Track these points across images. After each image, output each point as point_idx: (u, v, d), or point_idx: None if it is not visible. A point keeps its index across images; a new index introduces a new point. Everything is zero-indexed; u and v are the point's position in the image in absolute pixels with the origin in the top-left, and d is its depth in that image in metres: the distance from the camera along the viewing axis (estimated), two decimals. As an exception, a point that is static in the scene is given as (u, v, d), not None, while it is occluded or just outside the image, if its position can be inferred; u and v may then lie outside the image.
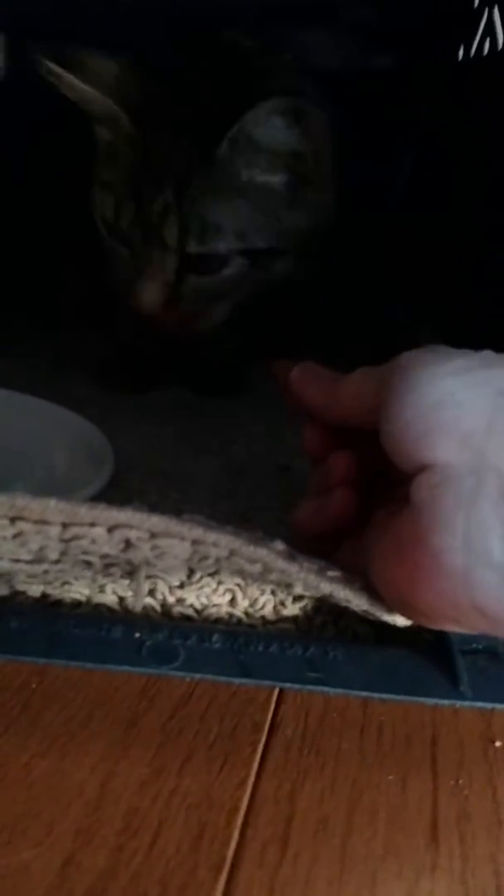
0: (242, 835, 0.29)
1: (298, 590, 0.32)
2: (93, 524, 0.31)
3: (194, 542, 0.32)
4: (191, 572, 0.36)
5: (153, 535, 0.31)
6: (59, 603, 0.35)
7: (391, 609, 0.33)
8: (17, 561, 0.32)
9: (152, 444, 0.56)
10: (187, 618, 0.35)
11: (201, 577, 0.36)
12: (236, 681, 0.31)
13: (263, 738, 0.34)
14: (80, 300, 0.75)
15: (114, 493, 0.47)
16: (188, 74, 0.60)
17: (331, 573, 0.33)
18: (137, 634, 0.31)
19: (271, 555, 0.31)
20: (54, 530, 0.32)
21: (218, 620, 0.35)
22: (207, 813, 0.30)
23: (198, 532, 0.31)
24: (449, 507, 0.30)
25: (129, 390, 0.65)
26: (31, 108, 0.95)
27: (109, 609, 0.35)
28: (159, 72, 0.59)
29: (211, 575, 0.36)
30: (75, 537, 0.32)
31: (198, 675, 0.31)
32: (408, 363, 0.33)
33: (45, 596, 0.34)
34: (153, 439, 0.56)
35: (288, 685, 0.32)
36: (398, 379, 0.33)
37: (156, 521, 0.31)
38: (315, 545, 0.35)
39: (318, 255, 0.63)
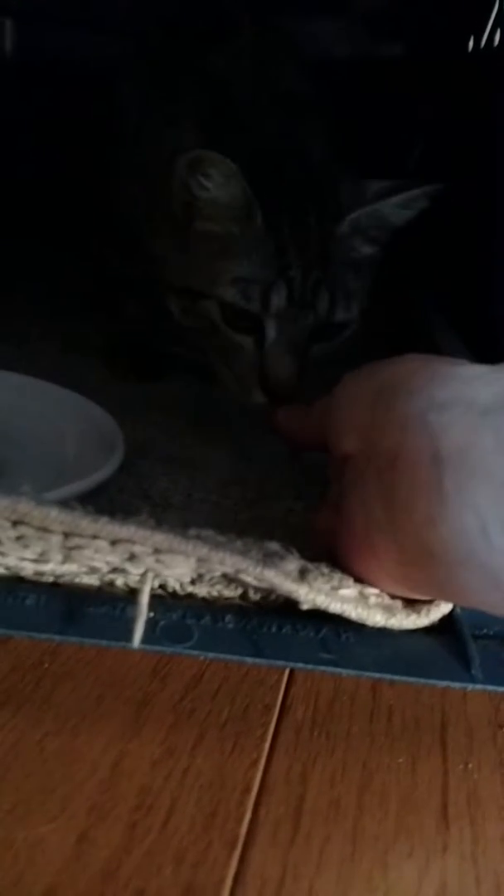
0: (255, 814, 0.30)
1: (306, 607, 0.32)
2: (95, 537, 0.31)
3: (199, 560, 0.32)
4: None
5: (157, 551, 0.32)
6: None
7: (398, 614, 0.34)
8: (24, 559, 0.32)
9: (162, 430, 0.56)
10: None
11: (212, 577, 0.35)
12: (249, 660, 0.32)
13: (274, 720, 0.34)
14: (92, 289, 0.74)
15: (124, 479, 0.47)
16: (269, 155, 0.60)
17: (344, 591, 0.33)
18: (151, 614, 0.31)
19: (279, 577, 0.32)
20: (56, 538, 0.32)
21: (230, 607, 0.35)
22: (220, 792, 0.30)
23: (202, 551, 0.31)
24: (353, 487, 0.35)
25: (139, 378, 0.65)
26: (39, 92, 0.95)
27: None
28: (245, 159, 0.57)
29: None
30: (77, 547, 0.32)
31: (211, 655, 0.31)
32: (341, 384, 0.39)
33: (55, 585, 0.34)
34: (163, 426, 0.56)
35: (300, 666, 0.32)
36: (332, 398, 0.39)
37: (160, 539, 0.31)
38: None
39: None
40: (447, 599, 0.34)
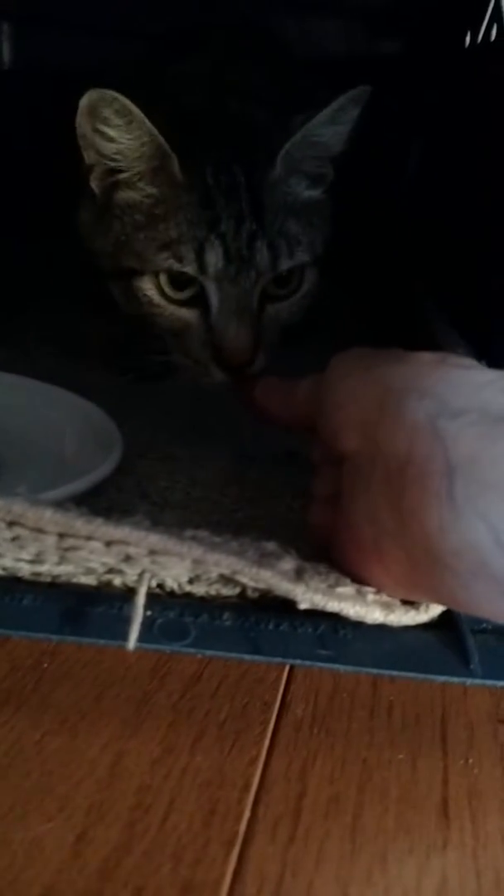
0: (254, 811, 0.30)
1: (304, 606, 0.32)
2: (90, 538, 0.31)
3: (195, 562, 0.32)
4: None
5: (152, 552, 0.31)
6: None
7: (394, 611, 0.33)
8: (20, 560, 0.32)
9: (161, 429, 0.55)
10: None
11: (209, 577, 0.35)
12: (246, 658, 0.31)
13: (274, 718, 0.34)
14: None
15: (123, 479, 0.47)
16: (193, 111, 0.59)
17: (341, 589, 0.32)
18: (149, 612, 0.31)
19: (275, 577, 0.31)
20: (51, 539, 0.32)
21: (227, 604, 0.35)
22: (219, 790, 0.30)
23: (198, 552, 0.31)
24: (357, 490, 0.33)
25: (138, 379, 0.65)
26: (36, 95, 0.95)
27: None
28: (161, 102, 0.57)
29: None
30: (73, 548, 0.32)
31: (209, 652, 0.31)
32: (332, 367, 0.37)
33: (53, 585, 0.34)
34: (162, 425, 0.56)
35: (298, 662, 0.32)
36: (323, 383, 0.37)
37: (154, 540, 0.31)
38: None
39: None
40: (457, 608, 0.33)
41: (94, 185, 0.58)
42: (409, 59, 0.89)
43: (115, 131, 0.54)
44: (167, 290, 0.57)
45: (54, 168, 0.65)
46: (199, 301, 0.56)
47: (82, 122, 0.54)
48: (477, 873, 0.28)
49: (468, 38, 0.76)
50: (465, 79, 0.77)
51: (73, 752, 0.31)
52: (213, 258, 0.54)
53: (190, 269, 0.55)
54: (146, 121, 0.53)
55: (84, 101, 0.53)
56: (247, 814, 0.29)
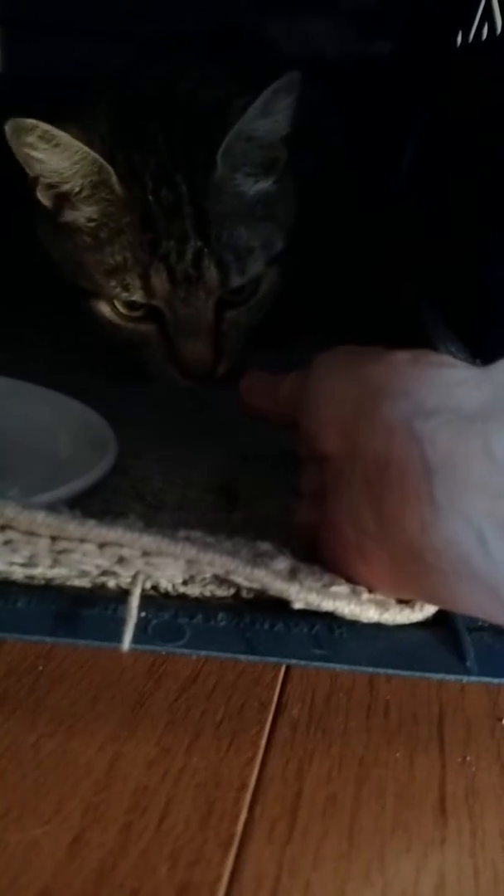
0: (251, 812, 0.29)
1: (299, 606, 0.32)
2: (82, 540, 0.31)
3: (188, 562, 0.32)
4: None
5: (146, 554, 0.31)
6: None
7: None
8: (13, 564, 0.32)
9: (156, 431, 0.55)
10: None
11: (203, 578, 0.35)
12: (241, 658, 0.31)
13: (270, 718, 0.34)
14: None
15: (118, 481, 0.47)
16: (135, 122, 0.57)
17: (336, 588, 0.32)
18: (143, 613, 0.31)
19: (269, 576, 0.31)
20: (43, 542, 0.31)
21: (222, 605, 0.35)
22: (216, 791, 0.30)
23: (191, 553, 0.31)
24: (339, 492, 0.33)
25: (131, 379, 0.65)
26: (28, 101, 0.95)
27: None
28: (105, 123, 0.56)
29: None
30: (66, 550, 0.31)
31: (204, 653, 0.31)
32: (314, 366, 0.37)
33: (47, 587, 0.34)
34: (157, 427, 0.56)
35: (293, 662, 0.32)
36: (305, 382, 0.37)
37: (147, 541, 0.31)
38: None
39: (305, 243, 0.63)
40: (442, 606, 0.33)
41: (40, 196, 0.57)
42: (401, 59, 0.89)
43: (44, 154, 0.53)
44: (122, 310, 0.57)
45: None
46: (155, 316, 0.56)
47: (12, 145, 0.53)
48: (475, 871, 0.28)
49: (460, 38, 0.76)
50: (457, 78, 0.77)
51: (69, 754, 0.31)
52: (159, 283, 0.54)
53: (137, 296, 0.55)
54: (74, 141, 0.52)
55: (7, 128, 0.52)
56: (244, 814, 0.29)
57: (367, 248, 0.81)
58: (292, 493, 0.49)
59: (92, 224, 0.55)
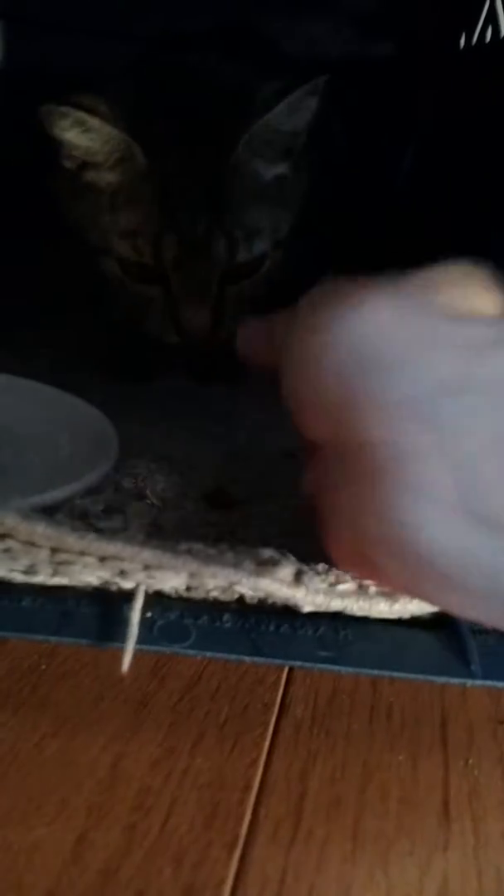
0: (255, 813, 0.29)
1: (308, 609, 0.32)
2: (83, 553, 0.31)
3: (191, 575, 0.32)
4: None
5: (147, 567, 0.31)
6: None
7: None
8: (13, 571, 0.32)
9: (155, 430, 0.55)
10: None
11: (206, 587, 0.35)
12: (247, 659, 0.31)
13: (274, 719, 0.34)
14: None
15: (119, 479, 0.47)
16: (162, 98, 0.59)
17: (342, 587, 0.32)
18: (149, 614, 0.31)
19: (275, 584, 0.31)
20: (43, 553, 0.31)
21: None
22: (220, 792, 0.30)
23: (193, 566, 0.31)
24: (330, 491, 0.29)
25: (132, 378, 0.65)
26: (30, 96, 0.94)
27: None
28: (132, 97, 0.58)
29: None
30: (66, 562, 0.31)
31: (209, 654, 0.31)
32: (300, 315, 0.30)
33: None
34: (156, 425, 0.56)
35: (299, 664, 0.32)
36: (288, 338, 0.30)
37: (149, 556, 0.31)
38: None
39: (307, 239, 0.64)
40: (446, 609, 0.31)
41: (63, 161, 0.59)
42: (403, 61, 0.89)
43: (74, 136, 0.56)
44: (131, 270, 0.59)
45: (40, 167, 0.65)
46: (161, 280, 0.58)
47: (45, 126, 0.56)
48: (478, 873, 0.28)
49: (462, 40, 0.76)
50: (459, 79, 0.77)
51: (73, 754, 0.31)
52: (170, 251, 0.56)
53: (147, 259, 0.57)
54: (105, 125, 0.55)
55: (40, 113, 0.55)
56: (248, 816, 0.29)
57: (367, 249, 0.81)
58: (293, 492, 0.49)
59: (111, 188, 0.58)
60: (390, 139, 0.83)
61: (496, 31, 0.70)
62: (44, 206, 0.79)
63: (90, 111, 0.55)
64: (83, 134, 0.55)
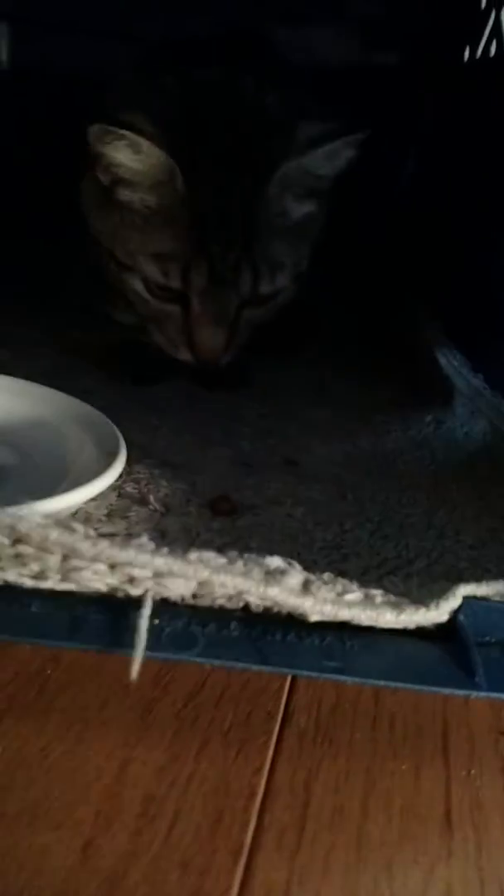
0: (260, 820, 0.30)
1: (315, 619, 0.32)
2: (94, 559, 0.31)
3: (200, 584, 0.32)
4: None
5: (157, 574, 0.31)
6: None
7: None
8: (22, 576, 0.32)
9: (160, 435, 0.55)
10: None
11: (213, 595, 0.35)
12: (254, 668, 0.32)
13: (277, 727, 0.34)
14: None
15: (123, 485, 0.47)
16: (202, 120, 0.59)
17: (349, 597, 0.32)
18: (157, 621, 0.31)
19: (283, 593, 0.31)
20: (54, 559, 0.31)
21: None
22: (224, 799, 0.30)
23: (203, 574, 0.31)
24: None
25: (136, 383, 0.65)
26: (35, 97, 0.95)
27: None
28: (173, 120, 0.58)
29: None
30: (76, 568, 0.31)
31: (216, 662, 0.31)
32: None
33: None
34: (161, 431, 0.56)
35: (305, 673, 0.32)
36: None
37: (160, 563, 0.31)
38: None
39: (316, 256, 0.65)
40: None
41: (99, 173, 0.59)
42: (407, 70, 0.90)
43: (123, 157, 0.56)
44: (154, 289, 0.59)
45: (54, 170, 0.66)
46: (182, 300, 0.59)
47: (93, 145, 0.56)
48: (481, 882, 0.29)
49: (467, 53, 0.77)
50: (463, 92, 0.77)
51: (79, 760, 0.31)
52: (198, 279, 0.57)
53: (174, 284, 0.57)
54: (154, 149, 0.55)
55: (91, 132, 0.55)
56: (253, 822, 0.30)
57: (369, 256, 0.81)
58: (296, 500, 0.49)
59: (148, 211, 0.58)
60: (391, 146, 0.83)
61: (501, 45, 0.70)
62: (46, 206, 0.79)
63: (140, 132, 0.55)
64: (134, 158, 0.56)
